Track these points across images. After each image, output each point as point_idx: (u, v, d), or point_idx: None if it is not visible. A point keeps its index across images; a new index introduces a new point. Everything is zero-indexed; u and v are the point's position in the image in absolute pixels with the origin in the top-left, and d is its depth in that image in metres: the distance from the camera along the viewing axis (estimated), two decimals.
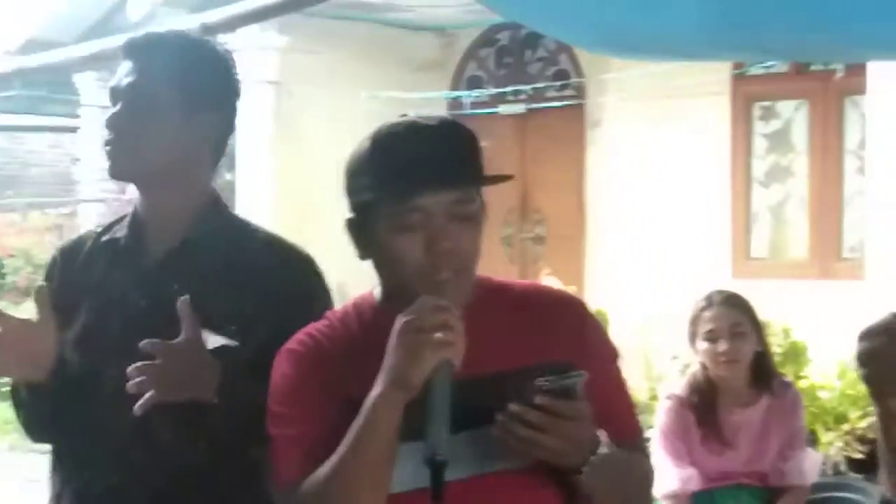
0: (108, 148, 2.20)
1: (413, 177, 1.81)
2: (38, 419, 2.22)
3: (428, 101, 9.44)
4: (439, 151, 1.83)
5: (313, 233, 8.99)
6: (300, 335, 1.93)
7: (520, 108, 9.45)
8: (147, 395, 1.99)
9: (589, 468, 1.80)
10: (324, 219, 9.72)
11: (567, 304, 2.03)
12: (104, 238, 2.26)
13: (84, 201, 12.04)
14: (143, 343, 2.00)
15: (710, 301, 3.84)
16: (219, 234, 2.23)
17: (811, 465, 3.95)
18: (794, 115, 8.07)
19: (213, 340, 2.10)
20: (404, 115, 1.92)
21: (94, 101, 10.71)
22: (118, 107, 2.20)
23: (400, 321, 1.74)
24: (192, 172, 2.23)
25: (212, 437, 2.12)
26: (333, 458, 1.77)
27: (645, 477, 2.02)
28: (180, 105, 2.18)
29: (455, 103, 9.71)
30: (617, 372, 2.03)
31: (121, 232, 2.25)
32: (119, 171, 2.25)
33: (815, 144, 7.87)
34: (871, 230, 7.04)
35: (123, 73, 2.21)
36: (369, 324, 1.91)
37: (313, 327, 1.95)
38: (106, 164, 2.24)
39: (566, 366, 1.87)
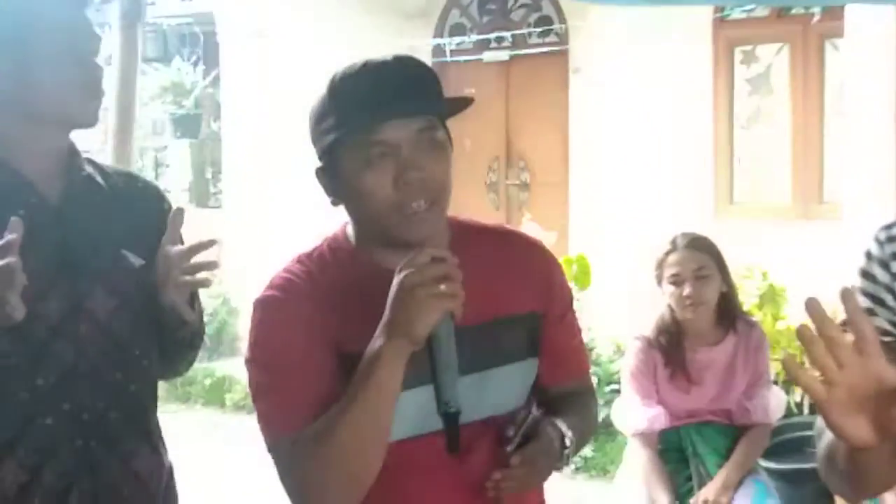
0: (99, 99, 2.29)
1: (374, 108, 1.81)
2: None
3: (412, 48, 9.44)
4: (397, 82, 1.84)
5: (299, 186, 9.05)
6: (277, 280, 1.93)
7: (503, 54, 9.43)
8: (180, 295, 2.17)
9: (566, 461, 1.96)
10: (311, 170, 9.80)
11: (536, 250, 2.09)
12: None
13: None
14: (209, 241, 2.17)
15: (674, 244, 3.89)
16: (93, 169, 2.37)
17: (776, 403, 4.01)
18: (774, 58, 8.08)
19: (136, 260, 2.26)
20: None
21: None
22: (96, 56, 2.29)
23: (400, 275, 1.74)
24: None
25: (173, 347, 2.31)
26: (335, 412, 1.77)
27: (593, 418, 2.21)
28: (98, 50, 2.31)
29: (439, 50, 9.70)
30: (574, 313, 2.13)
31: None
32: (96, 119, 2.33)
33: (796, 88, 7.88)
34: (850, 172, 7.08)
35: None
36: (349, 271, 1.92)
37: (289, 272, 1.93)
38: (95, 114, 2.31)
39: (535, 318, 1.99)
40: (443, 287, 1.70)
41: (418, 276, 1.71)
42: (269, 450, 1.88)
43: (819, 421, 1.66)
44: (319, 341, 1.85)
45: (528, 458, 1.86)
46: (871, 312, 1.63)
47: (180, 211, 2.19)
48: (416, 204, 1.83)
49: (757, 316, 5.54)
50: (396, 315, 1.72)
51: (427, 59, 9.82)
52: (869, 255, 1.71)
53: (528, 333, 1.99)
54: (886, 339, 1.54)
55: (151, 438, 2.38)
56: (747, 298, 6.24)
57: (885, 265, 1.71)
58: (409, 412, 1.83)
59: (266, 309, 1.91)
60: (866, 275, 1.72)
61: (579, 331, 2.17)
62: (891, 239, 1.71)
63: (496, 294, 1.95)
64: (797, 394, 6.13)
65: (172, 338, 2.29)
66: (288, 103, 9.71)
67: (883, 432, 1.39)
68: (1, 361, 2.17)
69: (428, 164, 1.83)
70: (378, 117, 1.81)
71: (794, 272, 6.91)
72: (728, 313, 3.93)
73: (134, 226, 2.25)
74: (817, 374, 1.37)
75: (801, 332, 1.35)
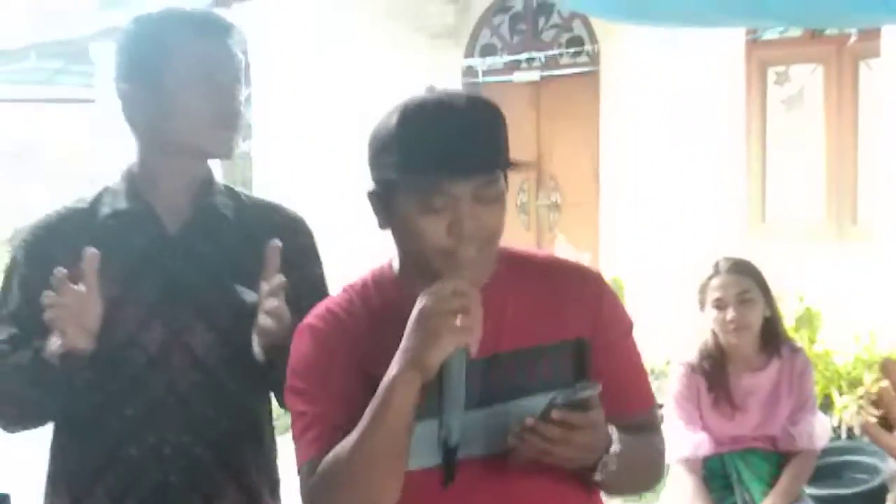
0: (234, 130, 2.29)
1: (440, 164, 1.79)
2: (60, 394, 2.19)
3: (442, 68, 9.45)
4: (466, 137, 1.80)
5: (332, 205, 9.09)
6: (320, 310, 1.95)
7: (534, 75, 9.43)
8: (271, 337, 2.08)
9: (602, 467, 1.83)
10: (343, 188, 9.85)
11: (586, 278, 2.02)
12: (104, 212, 2.30)
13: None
14: (279, 280, 2.07)
15: (717, 269, 3.86)
16: (225, 199, 2.34)
17: (821, 429, 3.97)
18: (808, 79, 8.05)
19: (248, 295, 2.16)
20: (431, 88, 1.89)
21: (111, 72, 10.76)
22: (236, 86, 2.28)
23: (420, 303, 1.74)
24: None
25: (278, 388, 2.18)
26: (351, 437, 1.78)
27: (655, 456, 2.06)
28: (239, 79, 2.30)
29: (470, 71, 9.71)
30: (632, 345, 2.05)
31: (121, 205, 2.30)
32: (230, 150, 2.32)
33: (831, 108, 7.84)
34: (885, 193, 7.05)
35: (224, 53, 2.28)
36: (390, 299, 1.92)
37: (333, 301, 1.96)
38: (229, 145, 2.30)
39: (582, 345, 1.92)
40: (459, 320, 1.70)
41: (436, 306, 1.72)
42: (298, 472, 1.90)
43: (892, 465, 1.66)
44: (351, 370, 1.86)
45: (571, 421, 1.75)
46: None
47: (275, 248, 2.12)
48: (466, 253, 1.83)
49: (794, 340, 5.49)
50: (411, 343, 1.73)
51: (457, 80, 9.86)
52: None
53: (574, 361, 1.94)
54: None
55: (244, 478, 2.31)
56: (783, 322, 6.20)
57: None
58: (417, 444, 1.81)
59: (302, 337, 1.94)
60: None
61: (638, 364, 2.06)
62: None
63: (538, 321, 1.92)
64: (835, 418, 6.08)
65: (269, 379, 2.20)
66: (318, 123, 9.74)
67: None
68: (98, 387, 2.18)
69: (484, 215, 1.83)
70: (443, 174, 1.80)
71: (828, 294, 6.87)
72: (772, 338, 3.90)
73: (262, 260, 2.17)
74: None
75: (885, 393, 1.34)
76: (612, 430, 1.84)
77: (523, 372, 1.88)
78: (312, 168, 9.70)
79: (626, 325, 2.04)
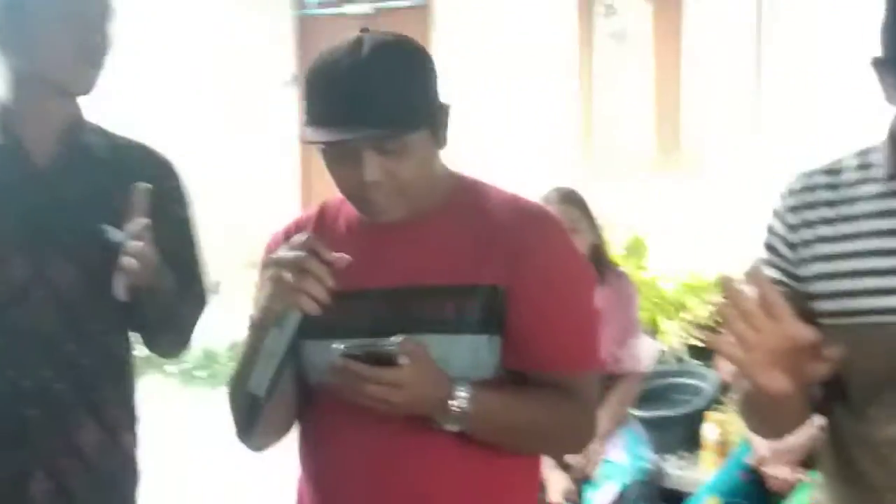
0: (97, 67, 2.25)
1: (328, 121, 1.80)
2: None
3: (274, 1, 9.30)
4: (354, 94, 1.78)
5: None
6: (288, 223, 2.02)
7: (366, 7, 9.36)
8: (135, 277, 2.08)
9: (443, 421, 1.82)
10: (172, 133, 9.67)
11: (523, 222, 1.93)
12: None
13: None
14: (143, 222, 2.06)
15: (547, 200, 3.93)
16: (96, 138, 2.34)
17: (647, 351, 4.09)
18: (635, 11, 8.18)
19: (115, 234, 2.16)
20: (364, 30, 1.87)
21: None
22: (104, 22, 2.26)
23: (276, 253, 1.80)
24: None
25: (140, 326, 2.28)
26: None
27: (556, 422, 1.93)
28: (106, 16, 2.29)
29: (300, 2, 9.57)
30: (564, 300, 1.92)
31: None
32: (90, 86, 2.29)
33: (658, 41, 7.99)
34: (708, 124, 7.24)
35: None
36: (349, 214, 1.97)
37: (304, 214, 2.04)
38: (90, 82, 2.27)
39: (495, 292, 1.87)
40: (287, 276, 1.73)
41: (278, 260, 1.77)
42: None
43: (730, 368, 1.81)
44: None
45: (355, 371, 1.73)
46: (769, 264, 1.79)
47: (143, 189, 2.13)
48: (376, 200, 1.86)
49: (623, 267, 5.62)
50: (258, 291, 1.82)
51: (287, 11, 9.72)
52: (774, 211, 1.84)
53: (483, 306, 1.87)
54: (781, 289, 1.67)
55: (103, 415, 2.32)
56: (613, 250, 6.34)
57: (781, 217, 1.81)
58: (321, 362, 1.85)
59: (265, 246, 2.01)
60: (769, 229, 1.85)
61: (569, 322, 1.92)
62: (791, 192, 1.81)
63: (459, 261, 1.89)
64: (661, 342, 6.25)
65: (132, 319, 2.25)
66: (149, 65, 9.49)
67: (798, 380, 1.58)
68: None
69: (388, 167, 1.83)
70: (332, 127, 1.80)
71: (657, 223, 7.05)
72: (599, 265, 3.99)
73: (130, 200, 2.17)
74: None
75: (721, 310, 1.52)
76: (463, 387, 1.81)
77: (426, 309, 1.87)
78: (138, 113, 9.45)
79: (562, 280, 1.92)
